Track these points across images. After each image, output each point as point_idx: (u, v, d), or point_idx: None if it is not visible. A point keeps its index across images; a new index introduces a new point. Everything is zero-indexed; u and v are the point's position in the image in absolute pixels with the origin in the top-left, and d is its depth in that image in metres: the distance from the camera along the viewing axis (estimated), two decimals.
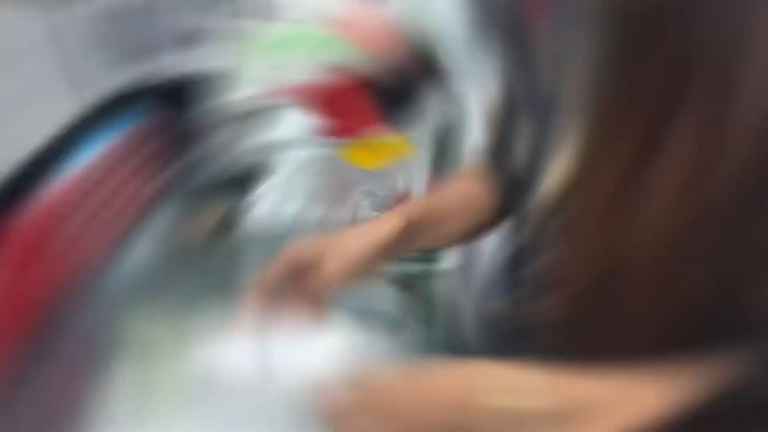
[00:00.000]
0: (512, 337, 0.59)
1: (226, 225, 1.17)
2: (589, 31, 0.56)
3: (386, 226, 0.68)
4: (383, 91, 1.01)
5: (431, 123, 1.14)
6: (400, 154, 0.88)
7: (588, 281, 0.50)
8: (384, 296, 0.82)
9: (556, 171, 0.55)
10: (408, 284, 0.80)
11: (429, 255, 0.82)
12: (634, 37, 0.46)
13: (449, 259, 0.79)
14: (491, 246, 1.20)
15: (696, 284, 0.45)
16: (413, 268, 0.82)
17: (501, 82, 0.76)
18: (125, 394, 0.69)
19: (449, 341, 0.84)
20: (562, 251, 0.54)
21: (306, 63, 0.92)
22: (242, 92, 0.93)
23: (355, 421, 0.51)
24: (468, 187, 0.80)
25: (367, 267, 0.67)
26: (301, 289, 0.67)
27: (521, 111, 0.67)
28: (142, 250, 1.12)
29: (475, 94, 1.34)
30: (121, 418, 0.68)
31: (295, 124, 1.17)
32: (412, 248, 0.75)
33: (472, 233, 0.80)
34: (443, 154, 1.07)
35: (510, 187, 0.78)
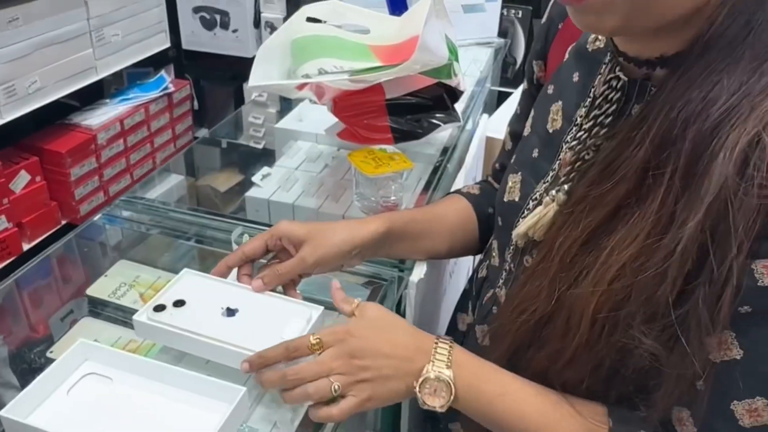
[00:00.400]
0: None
1: (236, 191, 1.25)
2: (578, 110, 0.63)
3: (368, 227, 0.75)
4: (398, 106, 1.08)
5: (436, 142, 1.21)
6: (399, 168, 0.95)
7: (527, 321, 0.57)
8: (350, 291, 0.89)
9: (532, 220, 0.62)
10: (380, 288, 0.87)
11: (403, 263, 0.89)
12: (621, 130, 0.54)
13: (422, 269, 0.86)
14: (467, 265, 1.28)
15: (607, 348, 0.52)
16: (387, 272, 0.89)
17: (513, 128, 0.83)
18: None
19: None
20: (517, 288, 0.62)
21: (338, 68, 0.98)
22: (277, 78, 0.99)
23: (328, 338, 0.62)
24: (454, 209, 0.87)
25: (341, 261, 0.75)
26: (276, 266, 0.75)
27: (520, 157, 0.73)
28: (161, 189, 1.21)
29: (480, 121, 1.42)
30: None
31: (316, 120, 1.25)
32: (389, 254, 0.82)
33: (450, 252, 0.87)
34: (440, 172, 1.14)
35: (492, 218, 0.85)
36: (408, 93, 1.07)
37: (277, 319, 0.69)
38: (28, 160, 1.61)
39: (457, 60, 1.02)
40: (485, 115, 1.48)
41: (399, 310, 0.88)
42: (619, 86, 0.57)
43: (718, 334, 0.48)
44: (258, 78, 0.92)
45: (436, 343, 0.60)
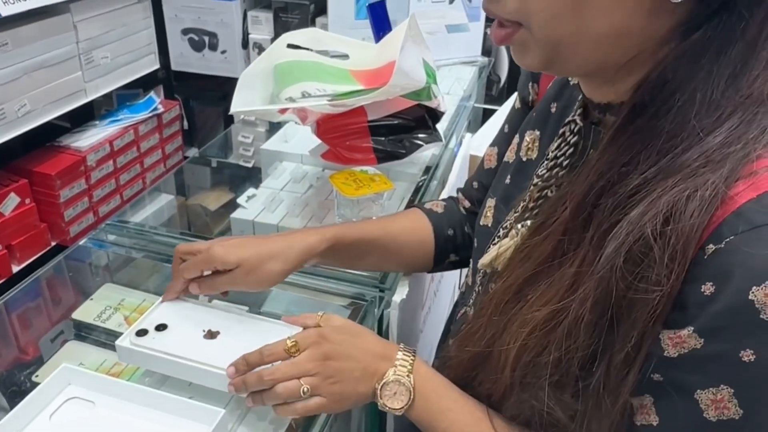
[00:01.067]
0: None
1: (226, 210, 1.26)
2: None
3: (308, 241, 0.75)
4: (381, 127, 1.10)
5: (419, 161, 1.23)
6: (380, 189, 0.97)
7: (467, 359, 0.60)
8: (331, 311, 0.91)
9: (496, 251, 0.64)
10: (360, 308, 0.88)
11: (384, 283, 0.91)
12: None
13: (404, 289, 0.88)
14: (452, 282, 1.29)
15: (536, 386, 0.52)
16: (368, 292, 0.90)
17: (500, 147, 0.83)
18: None
19: None
20: (469, 320, 0.63)
21: (321, 92, 1.01)
22: (259, 103, 1.01)
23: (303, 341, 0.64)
24: (410, 229, 0.87)
25: (279, 280, 0.74)
26: (213, 279, 0.75)
27: (497, 182, 0.74)
28: (151, 209, 1.22)
29: (464, 139, 1.44)
30: None
31: (301, 140, 1.27)
32: (335, 266, 0.83)
33: (400, 269, 0.88)
34: (423, 191, 1.16)
35: (451, 239, 0.86)
36: (390, 114, 1.10)
37: (258, 341, 0.70)
38: (17, 183, 1.62)
39: (435, 82, 1.05)
40: (468, 134, 1.50)
41: (380, 329, 0.89)
42: (576, 130, 0.58)
43: (626, 399, 0.48)
44: (240, 104, 0.94)
45: (400, 351, 0.63)
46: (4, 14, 1.45)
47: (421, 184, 1.18)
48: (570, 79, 0.67)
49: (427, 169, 1.22)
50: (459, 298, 0.81)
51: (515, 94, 0.82)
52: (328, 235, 0.76)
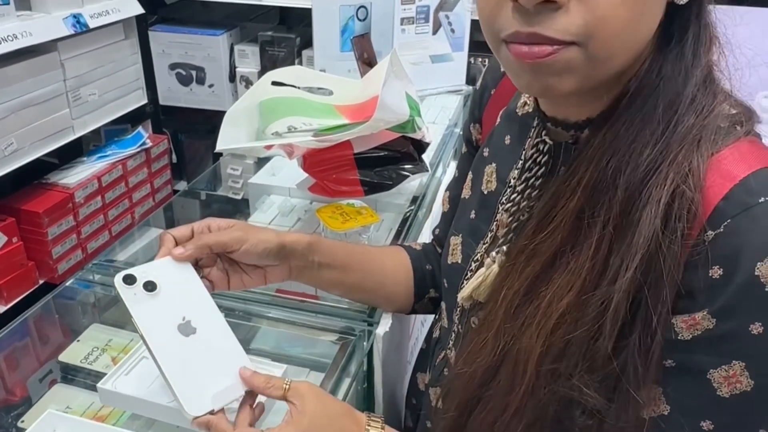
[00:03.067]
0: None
1: None
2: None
3: (293, 234, 0.76)
4: (367, 160, 1.11)
5: (406, 192, 1.24)
6: (366, 222, 0.97)
7: (474, 376, 0.58)
8: (320, 346, 0.91)
9: (476, 282, 0.64)
10: (348, 343, 0.88)
11: (372, 317, 0.91)
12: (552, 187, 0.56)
13: (388, 321, 0.88)
14: (422, 325, 1.29)
15: (552, 399, 0.53)
16: (356, 326, 0.90)
17: (452, 192, 0.85)
18: None
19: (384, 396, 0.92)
20: (464, 346, 0.63)
21: (307, 127, 1.02)
22: (245, 140, 1.02)
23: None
24: (390, 255, 0.87)
25: (266, 254, 0.72)
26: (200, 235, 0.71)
27: (460, 220, 0.75)
28: (141, 244, 1.22)
29: (449, 168, 1.45)
30: None
31: (288, 174, 1.27)
32: (319, 280, 0.79)
33: (380, 295, 0.87)
34: (410, 222, 1.16)
35: (429, 275, 0.86)
36: (375, 147, 1.11)
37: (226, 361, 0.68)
38: (4, 222, 1.62)
39: (419, 115, 1.06)
40: (454, 162, 1.51)
41: (370, 363, 0.89)
42: (545, 150, 0.60)
43: (651, 385, 0.50)
44: (226, 141, 0.95)
45: (368, 426, 0.61)
46: None
47: (408, 214, 1.18)
48: (518, 111, 0.68)
49: (414, 199, 1.23)
50: (434, 344, 0.81)
51: None
52: (308, 237, 0.77)
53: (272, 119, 1.02)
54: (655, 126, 0.50)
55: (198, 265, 0.71)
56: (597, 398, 0.50)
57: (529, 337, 0.53)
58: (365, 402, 0.91)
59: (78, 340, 0.91)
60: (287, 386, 0.61)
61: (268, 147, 1.01)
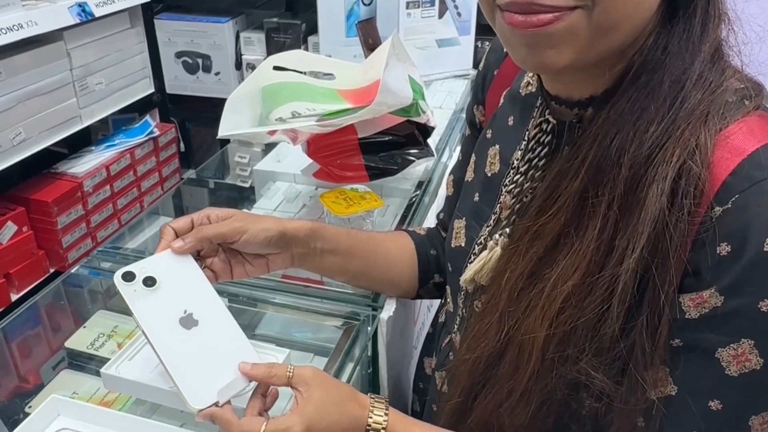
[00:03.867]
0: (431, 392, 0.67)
1: None
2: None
3: (294, 221, 0.75)
4: (371, 145, 1.11)
5: (412, 177, 1.23)
6: (370, 207, 0.97)
7: (478, 360, 0.58)
8: (325, 331, 0.90)
9: (478, 264, 0.63)
10: (352, 328, 0.88)
11: (377, 302, 0.90)
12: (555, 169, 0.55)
13: (392, 306, 0.87)
14: (428, 310, 1.28)
15: (558, 383, 0.52)
16: (362, 311, 0.90)
17: (456, 175, 0.84)
18: None
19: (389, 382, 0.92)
20: (467, 330, 0.63)
21: (311, 111, 1.01)
22: (247, 125, 1.02)
23: None
24: (393, 240, 0.86)
25: (266, 242, 0.71)
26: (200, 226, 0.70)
27: (463, 202, 0.74)
28: (150, 232, 1.22)
29: (455, 152, 1.44)
30: None
31: (293, 160, 1.27)
32: (321, 266, 0.78)
33: (385, 280, 0.86)
34: (416, 206, 1.16)
35: (434, 260, 0.86)
36: (380, 131, 1.10)
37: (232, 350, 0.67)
38: (14, 211, 1.63)
39: (423, 98, 1.05)
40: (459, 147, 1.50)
41: (375, 348, 0.89)
42: (549, 129, 0.59)
43: (658, 366, 0.49)
44: (227, 127, 0.94)
45: (372, 407, 0.61)
46: None
47: (414, 199, 1.17)
48: (521, 91, 0.67)
49: (420, 184, 1.22)
50: (440, 328, 0.81)
51: None
52: (310, 223, 0.76)
53: (275, 105, 1.02)
54: (660, 102, 0.49)
55: (200, 256, 0.70)
56: (605, 381, 0.50)
57: (533, 321, 0.53)
58: (371, 387, 0.91)
59: (84, 327, 0.92)
60: (290, 373, 0.60)
61: (272, 133, 1.00)
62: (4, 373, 0.89)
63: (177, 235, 0.68)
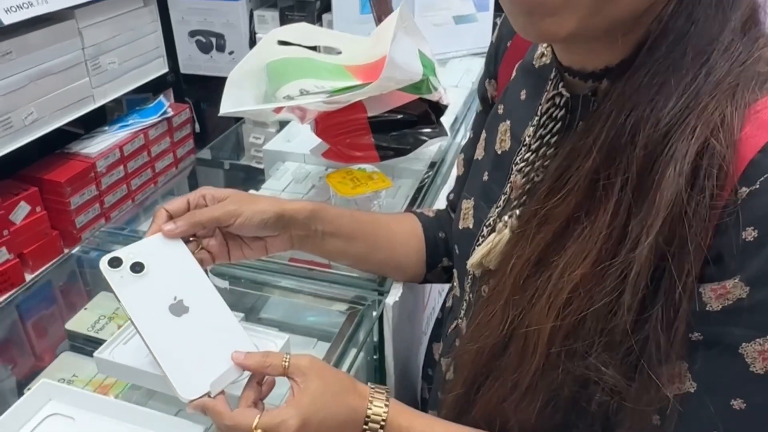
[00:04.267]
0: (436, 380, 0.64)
1: None
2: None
3: (294, 202, 0.72)
4: (382, 123, 1.07)
5: (424, 157, 1.19)
6: (377, 188, 0.93)
7: (485, 349, 0.54)
8: (330, 315, 0.88)
9: (486, 248, 0.60)
10: (356, 313, 0.85)
11: (383, 286, 0.87)
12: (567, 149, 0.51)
13: (398, 291, 0.84)
14: (440, 295, 1.25)
15: (565, 378, 0.49)
16: (368, 295, 0.87)
17: (467, 153, 0.80)
18: None
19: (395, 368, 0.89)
20: (472, 317, 0.59)
21: (320, 89, 0.97)
22: (252, 102, 0.99)
23: None
24: (400, 222, 0.83)
25: (263, 224, 0.69)
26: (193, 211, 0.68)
27: (472, 182, 0.71)
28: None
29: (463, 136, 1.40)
30: None
31: (303, 139, 1.24)
32: (323, 249, 0.76)
33: (390, 265, 0.83)
34: (427, 188, 1.12)
35: (443, 243, 0.82)
36: (390, 110, 1.06)
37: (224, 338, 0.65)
38: (27, 191, 1.62)
39: (434, 74, 1.01)
40: None
41: (381, 333, 0.86)
42: (562, 103, 0.54)
43: (674, 362, 0.45)
44: (230, 104, 0.91)
45: (372, 398, 0.58)
46: (6, 22, 1.45)
47: (425, 180, 1.14)
48: (535, 63, 0.63)
49: (433, 165, 1.18)
50: (447, 313, 0.77)
51: None
52: (312, 204, 0.73)
53: (283, 82, 0.98)
54: (682, 75, 0.44)
55: (196, 236, 0.68)
56: (616, 378, 0.46)
57: (539, 311, 0.49)
58: (377, 374, 0.89)
59: (85, 308, 0.90)
60: (286, 363, 0.57)
61: (278, 111, 0.97)
62: (4, 356, 0.88)
63: (171, 218, 0.66)
